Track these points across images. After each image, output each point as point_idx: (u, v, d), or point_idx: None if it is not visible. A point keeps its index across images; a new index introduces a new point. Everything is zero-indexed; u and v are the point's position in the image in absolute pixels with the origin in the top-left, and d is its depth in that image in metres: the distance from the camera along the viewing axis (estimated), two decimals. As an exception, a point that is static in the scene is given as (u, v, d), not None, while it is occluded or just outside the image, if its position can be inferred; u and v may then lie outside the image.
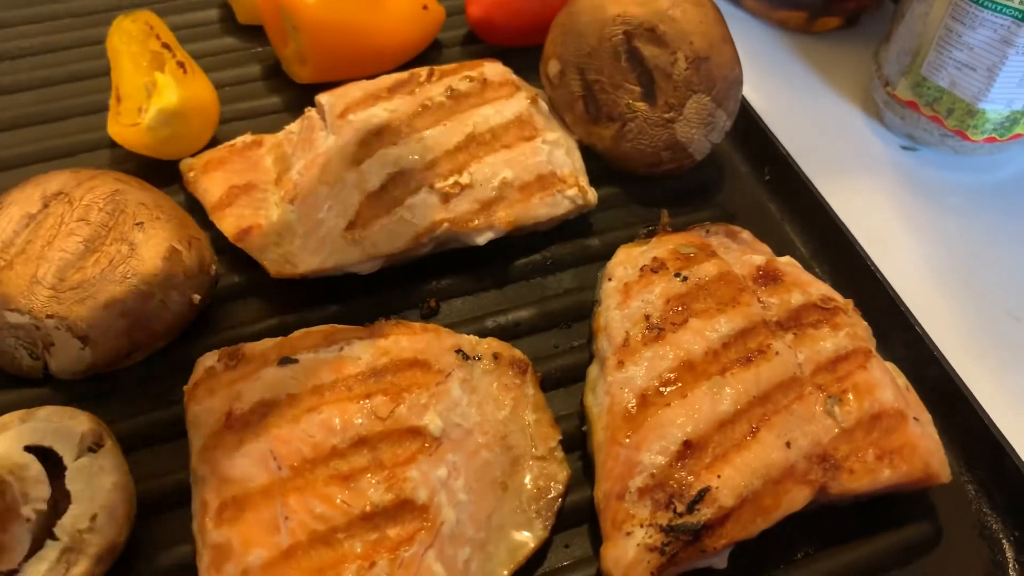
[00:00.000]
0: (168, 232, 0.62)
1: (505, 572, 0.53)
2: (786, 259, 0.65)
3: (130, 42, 0.77)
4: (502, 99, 0.71)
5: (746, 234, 0.68)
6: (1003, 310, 0.74)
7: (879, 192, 0.84)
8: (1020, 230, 0.81)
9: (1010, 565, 0.57)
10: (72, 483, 0.51)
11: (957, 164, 0.87)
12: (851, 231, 0.71)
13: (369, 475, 0.51)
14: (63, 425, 0.53)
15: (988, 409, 0.61)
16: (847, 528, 0.57)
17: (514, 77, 0.74)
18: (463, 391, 0.58)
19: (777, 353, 0.57)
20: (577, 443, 0.60)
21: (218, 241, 0.67)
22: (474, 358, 0.59)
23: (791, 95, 0.93)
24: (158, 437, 0.59)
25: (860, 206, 0.80)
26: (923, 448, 0.57)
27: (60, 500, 0.51)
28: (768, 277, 0.62)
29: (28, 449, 0.52)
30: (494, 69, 0.73)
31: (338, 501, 0.50)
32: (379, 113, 0.68)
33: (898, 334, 0.65)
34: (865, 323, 0.62)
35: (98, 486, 0.51)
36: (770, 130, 0.78)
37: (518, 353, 0.61)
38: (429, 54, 0.85)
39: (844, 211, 0.74)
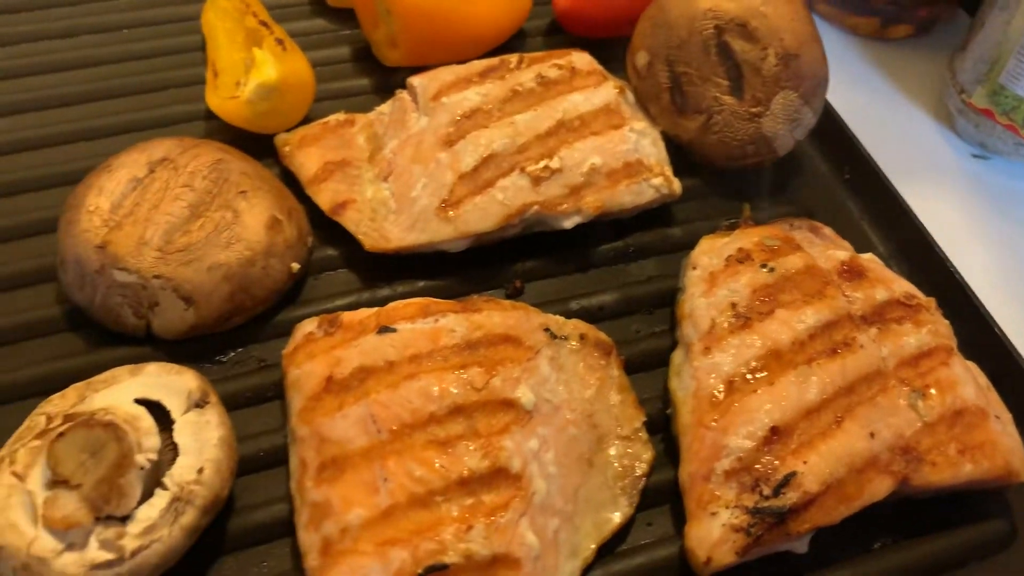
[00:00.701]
0: (269, 202, 0.64)
1: (592, 545, 0.54)
2: (868, 256, 0.66)
3: (225, 19, 0.79)
4: (590, 87, 0.72)
5: (828, 230, 0.69)
6: (1075, 320, 0.75)
7: (949, 199, 0.85)
8: (1092, 241, 0.81)
9: (1085, 567, 0.57)
10: (180, 436, 0.53)
11: (1029, 175, 0.87)
12: (927, 234, 0.72)
13: (466, 442, 0.53)
14: (171, 380, 0.55)
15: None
16: (924, 522, 0.58)
17: (600, 67, 0.75)
18: (551, 368, 0.59)
19: (862, 346, 0.58)
20: (659, 425, 0.61)
21: (312, 214, 0.69)
22: (561, 337, 0.61)
23: (862, 99, 0.93)
24: (253, 399, 0.61)
25: (929, 212, 0.80)
26: (1004, 446, 0.57)
27: (168, 452, 0.53)
28: (852, 272, 0.63)
29: (138, 402, 0.54)
30: (582, 59, 0.74)
31: (436, 465, 0.52)
32: (471, 96, 0.70)
33: (977, 336, 0.66)
34: (946, 321, 0.62)
35: (205, 440, 0.53)
36: (851, 130, 0.79)
37: (602, 335, 0.63)
38: (513, 43, 0.87)
39: (914, 216, 0.75)
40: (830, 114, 0.80)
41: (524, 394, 0.56)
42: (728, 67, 0.71)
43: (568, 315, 0.64)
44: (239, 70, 0.74)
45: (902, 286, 0.63)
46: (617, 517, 0.56)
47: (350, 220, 0.66)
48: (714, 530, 0.53)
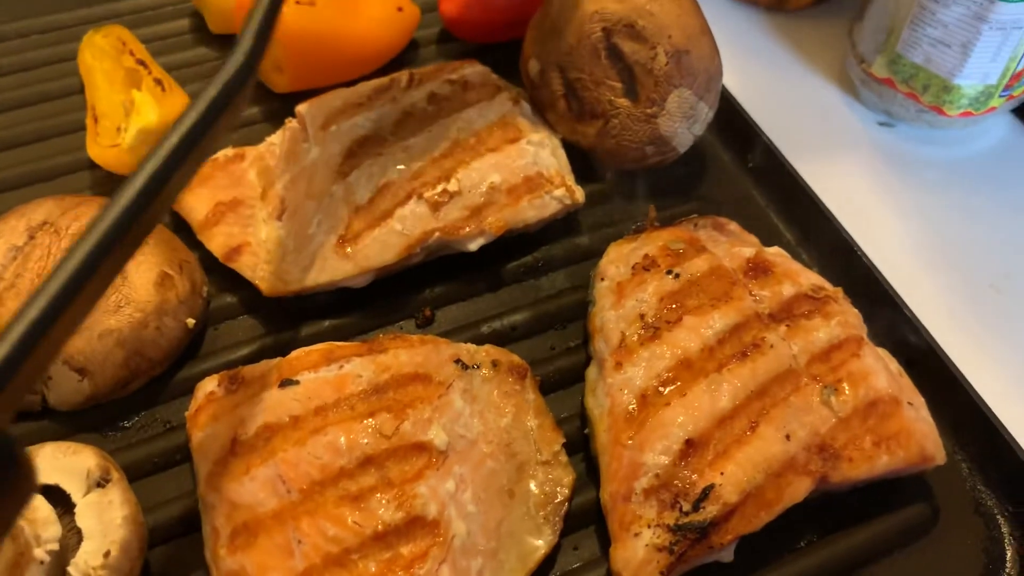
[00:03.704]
0: (158, 257, 0.61)
1: (518, 579, 0.54)
2: (774, 249, 0.66)
3: (103, 58, 0.76)
4: (484, 101, 0.70)
5: (733, 226, 0.69)
6: (984, 283, 0.75)
7: (858, 169, 0.85)
8: (997, 202, 0.82)
9: (1006, 540, 0.58)
10: (82, 520, 0.51)
11: (934, 138, 0.87)
12: (833, 212, 0.72)
13: (378, 494, 0.52)
14: (69, 462, 0.53)
15: (975, 383, 0.62)
16: (847, 514, 0.58)
17: (495, 77, 0.73)
18: (464, 401, 0.58)
19: (772, 346, 0.58)
20: (580, 445, 0.61)
21: (207, 260, 0.66)
22: (473, 367, 0.60)
23: (766, 75, 0.93)
24: (161, 464, 0.59)
25: (840, 184, 0.81)
26: (918, 432, 0.58)
27: (71, 538, 0.51)
28: (758, 269, 0.63)
29: (34, 488, 0.52)
30: (474, 70, 0.73)
31: (350, 522, 0.51)
32: (362, 123, 0.68)
33: (887, 318, 0.66)
34: (855, 310, 0.62)
35: (109, 521, 0.51)
36: (751, 117, 0.78)
37: (516, 358, 0.62)
38: (405, 54, 0.85)
39: (824, 190, 0.74)
40: (728, 101, 0.80)
41: (437, 434, 0.55)
42: (620, 69, 0.69)
43: (480, 339, 0.63)
44: (119, 114, 0.71)
45: (809, 278, 0.63)
46: (542, 546, 0.55)
47: (246, 265, 0.64)
48: (638, 551, 0.53)
